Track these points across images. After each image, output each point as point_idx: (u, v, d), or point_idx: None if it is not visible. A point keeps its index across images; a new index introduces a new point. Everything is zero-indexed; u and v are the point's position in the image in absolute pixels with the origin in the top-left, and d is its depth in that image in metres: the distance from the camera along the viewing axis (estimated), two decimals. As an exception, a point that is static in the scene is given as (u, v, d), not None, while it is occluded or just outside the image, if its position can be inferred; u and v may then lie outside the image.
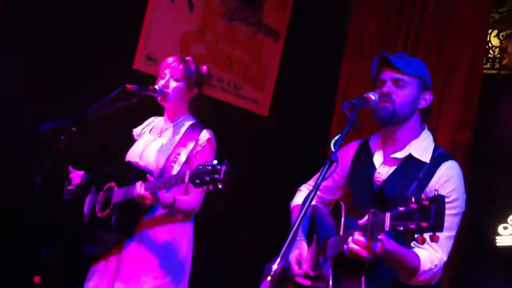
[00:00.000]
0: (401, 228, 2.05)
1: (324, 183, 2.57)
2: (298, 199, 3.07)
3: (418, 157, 2.63)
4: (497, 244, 4.74)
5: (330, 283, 2.45)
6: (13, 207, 3.95)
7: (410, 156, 2.65)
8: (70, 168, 3.46)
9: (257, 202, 5.08)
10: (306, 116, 5.48)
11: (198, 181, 2.70)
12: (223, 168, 2.64)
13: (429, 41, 5.07)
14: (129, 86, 3.18)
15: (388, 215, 2.11)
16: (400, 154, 2.67)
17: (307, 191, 3.03)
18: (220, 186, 2.64)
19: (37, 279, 2.99)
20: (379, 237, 2.21)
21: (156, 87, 3.29)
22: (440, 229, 1.97)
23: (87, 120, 3.11)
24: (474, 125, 4.83)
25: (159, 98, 3.31)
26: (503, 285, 4.56)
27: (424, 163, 2.61)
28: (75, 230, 3.40)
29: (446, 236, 2.48)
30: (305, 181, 3.12)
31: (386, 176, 2.67)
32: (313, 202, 2.79)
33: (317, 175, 2.34)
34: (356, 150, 2.87)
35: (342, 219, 2.54)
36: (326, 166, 2.28)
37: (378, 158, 2.75)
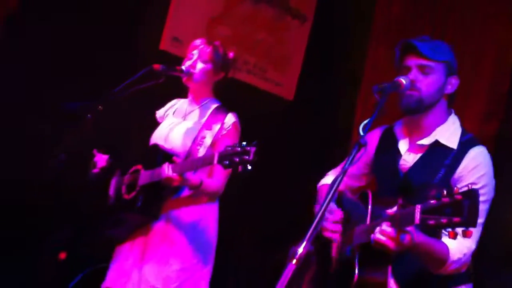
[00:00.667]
0: (432, 222, 2.01)
1: (349, 170, 2.54)
2: (326, 180, 3.01)
3: (445, 143, 2.57)
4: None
5: (356, 272, 2.41)
6: (36, 185, 3.99)
7: (436, 142, 2.58)
8: (95, 151, 3.47)
9: (281, 184, 5.07)
10: (331, 100, 5.44)
11: (227, 162, 2.69)
12: (253, 149, 2.63)
13: (456, 28, 4.96)
14: (156, 66, 3.19)
15: (418, 207, 2.07)
16: (426, 141, 2.60)
17: (334, 176, 2.99)
18: (249, 168, 2.63)
19: (62, 255, 3.02)
20: (408, 229, 2.17)
21: (183, 67, 3.29)
22: (474, 224, 1.93)
23: (114, 100, 3.12)
24: (503, 116, 4.71)
25: (184, 78, 3.31)
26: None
27: (452, 149, 2.54)
28: (99, 212, 3.42)
29: None
30: (329, 164, 3.07)
31: (412, 163, 2.61)
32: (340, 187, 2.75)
33: (345, 161, 2.31)
34: (380, 137, 2.81)
35: (369, 207, 2.51)
36: (355, 150, 2.24)
37: (403, 145, 2.68)
